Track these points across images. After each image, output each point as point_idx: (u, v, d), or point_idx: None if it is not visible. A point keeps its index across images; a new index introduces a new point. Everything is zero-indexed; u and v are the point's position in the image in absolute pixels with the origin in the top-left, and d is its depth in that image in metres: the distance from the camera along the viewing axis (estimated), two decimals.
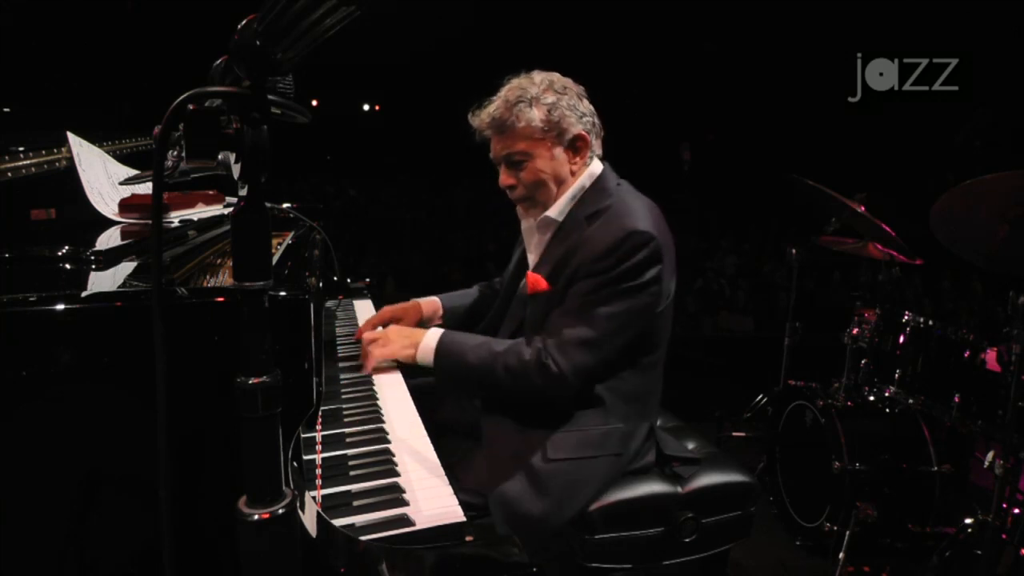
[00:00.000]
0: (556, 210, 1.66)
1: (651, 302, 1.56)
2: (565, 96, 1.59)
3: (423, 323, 1.97)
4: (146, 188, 1.64)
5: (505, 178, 1.67)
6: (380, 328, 1.90)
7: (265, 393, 0.71)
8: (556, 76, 1.64)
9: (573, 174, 1.65)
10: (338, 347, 1.98)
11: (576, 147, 1.62)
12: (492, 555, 1.28)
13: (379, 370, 1.72)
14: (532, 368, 1.51)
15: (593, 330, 1.51)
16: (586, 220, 1.60)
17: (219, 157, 0.69)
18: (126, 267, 1.14)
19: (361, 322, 2.24)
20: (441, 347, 1.62)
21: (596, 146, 1.67)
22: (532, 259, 1.76)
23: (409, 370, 1.75)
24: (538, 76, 1.62)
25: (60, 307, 0.88)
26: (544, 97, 1.57)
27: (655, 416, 1.73)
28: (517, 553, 1.42)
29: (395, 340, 1.67)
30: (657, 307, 1.59)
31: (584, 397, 1.59)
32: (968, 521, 2.08)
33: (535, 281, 1.64)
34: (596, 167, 1.68)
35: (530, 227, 1.75)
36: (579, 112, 1.61)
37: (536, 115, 1.57)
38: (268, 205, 0.71)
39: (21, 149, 1.47)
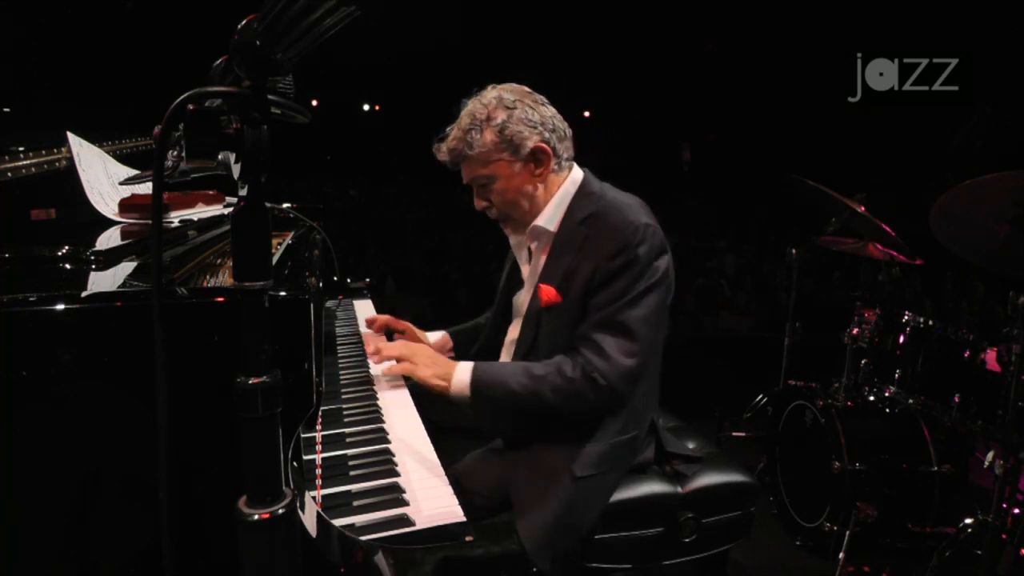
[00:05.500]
0: (545, 218, 1.64)
1: (667, 294, 1.57)
2: (515, 110, 1.56)
3: None
4: (146, 188, 1.64)
5: (478, 202, 1.68)
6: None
7: (265, 393, 0.71)
8: (508, 90, 1.61)
9: (539, 185, 1.63)
10: (338, 347, 1.98)
11: (537, 158, 1.60)
12: (492, 555, 1.28)
13: (387, 378, 1.71)
14: (581, 385, 1.49)
15: (630, 337, 1.49)
16: (582, 224, 1.59)
17: (219, 157, 0.69)
18: (126, 267, 1.14)
19: (361, 323, 2.24)
20: (477, 379, 1.56)
21: (562, 149, 1.63)
22: (526, 270, 1.75)
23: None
24: (488, 95, 1.60)
25: (60, 307, 0.89)
26: (494, 118, 1.56)
27: (655, 411, 1.74)
28: (517, 553, 1.42)
29: (428, 364, 1.60)
30: (669, 298, 1.59)
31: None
32: (968, 521, 2.08)
33: (548, 294, 1.59)
34: (577, 174, 1.67)
35: (519, 241, 1.74)
36: (533, 122, 1.57)
37: (488, 138, 1.56)
38: (268, 205, 0.71)
39: (21, 149, 1.47)
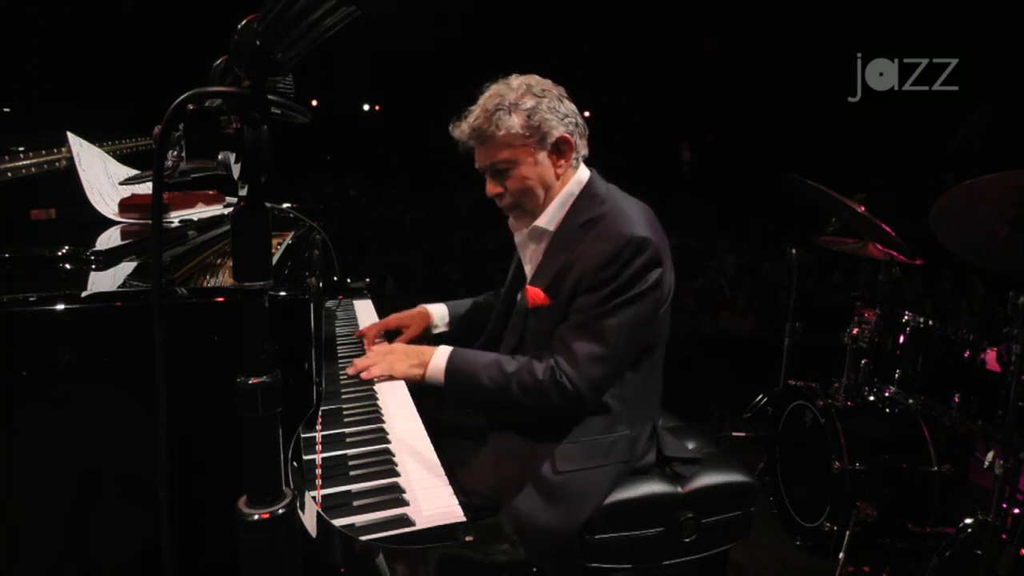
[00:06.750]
0: (546, 219, 1.63)
1: (654, 308, 1.55)
2: (544, 99, 1.56)
3: (429, 329, 1.95)
4: (146, 188, 1.64)
5: (492, 187, 1.64)
6: (384, 338, 1.89)
7: (265, 393, 0.71)
8: (535, 79, 1.61)
9: (559, 177, 1.62)
10: (338, 347, 1.98)
11: (560, 150, 1.59)
12: (492, 555, 1.29)
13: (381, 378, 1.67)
14: (548, 387, 1.49)
15: (603, 344, 1.49)
16: (581, 229, 1.58)
17: (219, 157, 0.69)
18: (126, 267, 1.15)
19: (361, 322, 2.24)
20: (451, 367, 1.55)
21: (581, 146, 1.64)
22: (528, 270, 1.74)
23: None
24: (516, 81, 1.59)
25: (60, 307, 0.89)
26: (523, 102, 1.54)
27: (657, 415, 1.73)
28: (517, 553, 1.43)
29: (401, 359, 1.56)
30: (659, 310, 1.58)
31: None
32: (968, 521, 2.08)
33: (535, 295, 1.61)
34: (583, 174, 1.66)
35: (524, 239, 1.73)
36: (560, 114, 1.58)
37: (516, 121, 1.54)
38: (268, 205, 0.71)
39: (21, 149, 1.47)
